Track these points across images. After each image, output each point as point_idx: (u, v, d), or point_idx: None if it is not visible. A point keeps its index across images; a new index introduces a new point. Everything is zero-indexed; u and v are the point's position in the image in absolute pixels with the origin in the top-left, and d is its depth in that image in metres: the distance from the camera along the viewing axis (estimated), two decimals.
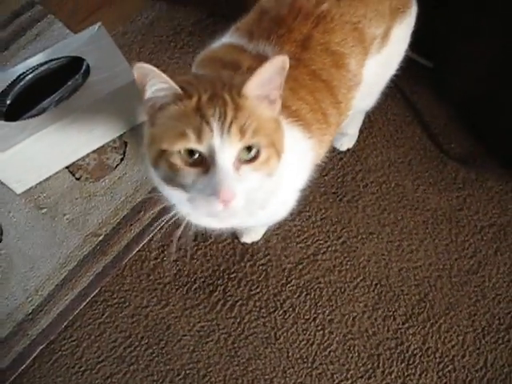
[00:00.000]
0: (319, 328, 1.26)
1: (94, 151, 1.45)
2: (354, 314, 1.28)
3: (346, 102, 1.02)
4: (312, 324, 1.27)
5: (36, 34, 1.62)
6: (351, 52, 0.98)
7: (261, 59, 0.89)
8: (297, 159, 0.96)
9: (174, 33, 1.63)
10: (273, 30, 0.93)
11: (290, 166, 0.90)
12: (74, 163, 1.44)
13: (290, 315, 1.28)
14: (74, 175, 1.43)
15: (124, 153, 1.45)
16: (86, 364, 1.23)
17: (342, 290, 1.30)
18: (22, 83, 1.36)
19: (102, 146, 1.46)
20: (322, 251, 1.34)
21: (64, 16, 1.65)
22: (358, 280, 1.31)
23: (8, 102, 1.34)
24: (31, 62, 1.38)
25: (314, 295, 1.30)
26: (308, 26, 0.94)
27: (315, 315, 1.28)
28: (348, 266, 1.33)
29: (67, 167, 1.44)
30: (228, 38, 1.00)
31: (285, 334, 1.26)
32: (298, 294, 1.30)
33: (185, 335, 1.26)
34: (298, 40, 0.93)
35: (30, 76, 1.36)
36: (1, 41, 1.62)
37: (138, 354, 1.24)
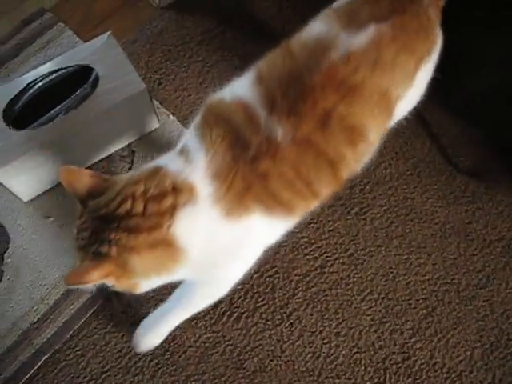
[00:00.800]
0: (325, 341, 1.26)
1: (101, 160, 1.45)
2: (361, 328, 1.27)
3: (350, 172, 0.96)
4: (318, 337, 1.26)
5: (46, 42, 1.62)
6: (374, 122, 0.91)
7: (267, 150, 0.84)
8: (268, 233, 0.99)
9: (182, 42, 1.63)
10: (296, 105, 0.84)
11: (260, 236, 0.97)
12: None
13: (296, 328, 1.27)
14: None
15: (132, 162, 1.44)
16: (91, 374, 1.23)
17: (349, 302, 1.29)
18: (30, 91, 1.36)
19: (110, 155, 1.46)
20: (329, 263, 1.33)
21: (74, 24, 1.66)
22: (366, 293, 1.31)
23: (17, 110, 1.34)
24: (40, 70, 1.38)
25: (321, 308, 1.29)
26: (334, 98, 0.85)
27: (322, 328, 1.27)
28: (355, 279, 1.32)
29: None
30: (246, 90, 0.89)
31: (291, 347, 1.25)
32: (304, 306, 1.29)
33: (190, 346, 1.25)
34: (318, 114, 0.84)
35: (39, 84, 1.36)
36: (10, 48, 1.62)
37: (144, 365, 1.24)
